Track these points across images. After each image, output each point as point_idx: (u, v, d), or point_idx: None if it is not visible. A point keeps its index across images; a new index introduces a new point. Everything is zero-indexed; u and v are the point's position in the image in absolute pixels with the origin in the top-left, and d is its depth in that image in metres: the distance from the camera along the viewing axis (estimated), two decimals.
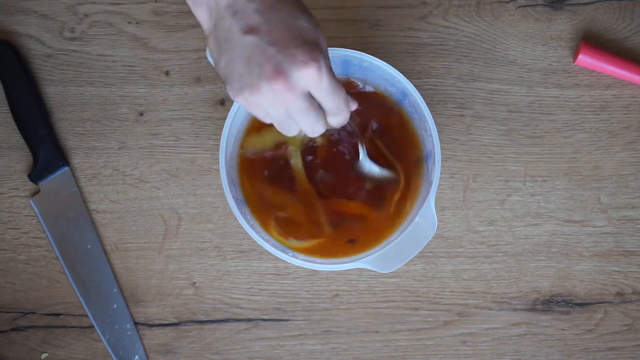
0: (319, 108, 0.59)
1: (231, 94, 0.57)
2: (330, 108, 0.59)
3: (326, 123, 0.60)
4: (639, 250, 0.77)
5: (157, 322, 0.76)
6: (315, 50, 0.55)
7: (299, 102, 0.57)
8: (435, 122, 0.68)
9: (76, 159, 0.78)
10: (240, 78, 0.56)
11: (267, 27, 0.55)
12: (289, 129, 0.60)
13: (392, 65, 0.68)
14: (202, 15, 0.57)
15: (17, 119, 0.76)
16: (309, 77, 0.55)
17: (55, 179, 0.76)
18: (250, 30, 0.55)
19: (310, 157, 0.71)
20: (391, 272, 0.74)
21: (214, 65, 0.59)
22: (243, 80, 0.56)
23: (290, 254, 0.68)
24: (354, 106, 0.62)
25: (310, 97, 0.57)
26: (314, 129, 0.60)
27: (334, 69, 0.71)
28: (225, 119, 0.67)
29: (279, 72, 0.54)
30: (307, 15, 0.56)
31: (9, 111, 0.77)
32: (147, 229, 0.77)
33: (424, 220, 0.67)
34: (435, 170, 0.67)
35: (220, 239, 0.77)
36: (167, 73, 0.78)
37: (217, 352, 0.76)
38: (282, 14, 0.55)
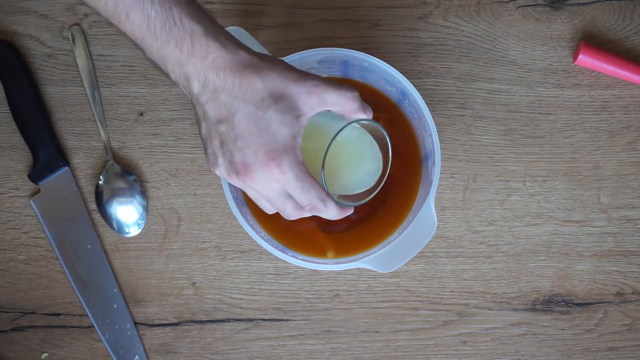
0: (290, 197, 0.59)
1: (208, 163, 0.60)
2: (305, 205, 0.59)
3: (303, 213, 0.61)
4: (639, 250, 0.77)
5: (157, 322, 0.76)
6: (278, 149, 0.56)
7: (267, 192, 0.59)
8: (435, 122, 0.68)
9: (76, 159, 0.78)
10: (215, 154, 0.58)
11: (235, 119, 0.56)
12: (264, 208, 0.62)
13: (392, 65, 0.68)
14: (182, 90, 0.59)
15: (17, 119, 0.76)
16: (272, 175, 0.57)
17: (55, 179, 0.76)
18: (220, 121, 0.57)
19: None
20: (391, 272, 0.74)
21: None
22: (218, 158, 0.58)
23: (290, 254, 0.68)
24: (336, 211, 0.61)
25: (278, 188, 0.58)
26: (287, 216, 0.61)
27: (334, 69, 0.71)
28: None
29: (246, 168, 0.57)
30: (274, 107, 0.56)
31: (9, 111, 0.77)
32: (147, 229, 0.77)
33: (424, 220, 0.67)
34: (435, 170, 0.67)
35: (220, 239, 0.77)
36: None
37: (217, 352, 0.76)
38: (249, 108, 0.56)
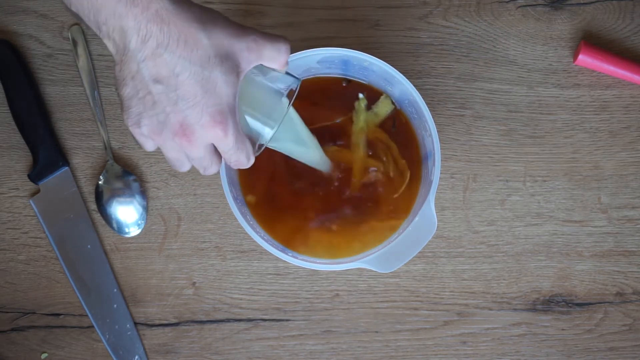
0: (216, 153, 0.58)
1: (128, 123, 0.55)
2: (231, 162, 0.58)
3: (219, 166, 0.59)
4: (639, 250, 0.77)
5: (157, 322, 0.76)
6: (223, 109, 0.54)
7: (198, 152, 0.56)
8: (435, 122, 0.68)
9: (76, 159, 0.78)
10: (141, 115, 0.54)
11: (177, 80, 0.52)
12: (181, 167, 0.59)
13: (392, 65, 0.68)
14: (110, 47, 0.53)
15: (17, 119, 0.76)
16: (214, 138, 0.55)
17: (55, 179, 0.76)
18: (158, 80, 0.53)
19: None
20: (391, 272, 0.74)
21: (115, 87, 0.56)
22: (144, 119, 0.54)
23: (290, 254, 0.68)
24: (251, 161, 0.59)
25: (210, 146, 0.56)
26: (207, 172, 0.59)
27: (334, 69, 0.71)
28: None
29: (184, 130, 0.54)
30: (219, 68, 0.53)
31: (9, 111, 0.77)
32: (147, 229, 0.77)
33: (424, 220, 0.67)
34: (435, 170, 0.67)
35: (220, 239, 0.77)
36: None
37: (217, 352, 0.76)
38: (194, 68, 0.52)
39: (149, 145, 0.56)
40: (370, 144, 0.71)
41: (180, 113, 0.53)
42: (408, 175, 0.71)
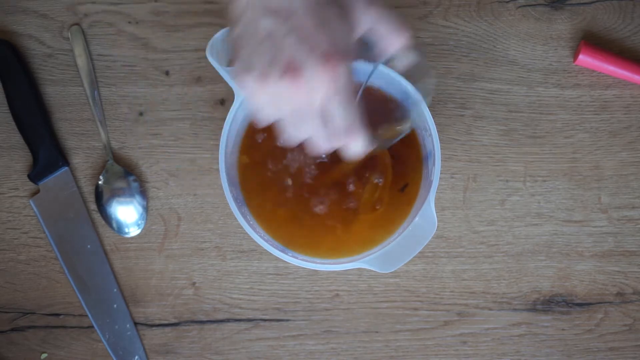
0: (329, 123, 0.52)
1: (237, 67, 0.50)
2: (340, 124, 0.52)
3: (333, 145, 0.53)
4: (639, 250, 0.77)
5: (157, 322, 0.76)
6: (337, 47, 0.49)
7: (307, 104, 0.50)
8: (435, 122, 0.68)
9: (76, 159, 0.78)
10: (249, 55, 0.49)
11: (289, 10, 0.48)
12: (296, 131, 0.53)
13: None
14: None
15: (17, 119, 0.76)
16: (324, 79, 0.49)
17: (55, 179, 0.76)
18: (270, 12, 0.49)
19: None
20: (391, 272, 0.74)
21: (228, 34, 0.51)
22: (252, 59, 0.49)
23: (290, 254, 0.68)
24: (363, 136, 0.53)
25: (321, 107, 0.51)
26: (318, 143, 0.53)
27: None
28: (225, 118, 0.67)
29: (293, 66, 0.48)
30: (334, 5, 0.50)
31: (9, 111, 0.77)
32: (147, 229, 0.77)
33: (424, 220, 0.66)
34: (435, 170, 0.67)
35: (220, 239, 0.77)
36: (167, 73, 0.78)
37: (217, 352, 0.76)
38: (308, 1, 0.49)
39: (259, 98, 0.50)
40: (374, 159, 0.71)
41: (289, 48, 0.48)
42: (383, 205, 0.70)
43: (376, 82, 0.71)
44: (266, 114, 0.52)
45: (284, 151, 0.71)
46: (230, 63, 0.51)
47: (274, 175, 0.71)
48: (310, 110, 0.50)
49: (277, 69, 0.48)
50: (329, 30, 0.49)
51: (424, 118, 0.67)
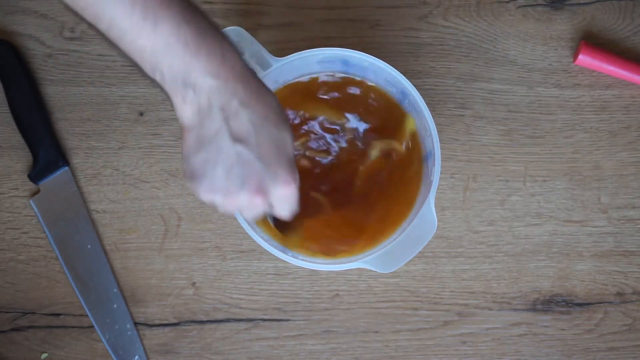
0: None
1: (199, 192, 0.56)
2: (282, 214, 0.59)
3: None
4: (639, 250, 0.77)
5: (157, 322, 0.76)
6: (293, 169, 0.56)
7: (262, 209, 0.57)
8: (435, 122, 0.68)
9: (76, 159, 0.78)
10: (217, 180, 0.55)
11: (256, 139, 0.54)
12: (231, 214, 0.60)
13: (392, 65, 0.68)
14: (188, 112, 0.53)
15: (17, 119, 0.76)
16: (283, 195, 0.56)
17: (55, 179, 0.76)
18: (239, 139, 0.54)
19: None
20: (391, 272, 0.74)
21: (181, 159, 0.57)
22: (220, 183, 0.55)
23: (290, 254, 0.68)
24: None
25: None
26: (253, 219, 0.62)
27: (334, 69, 0.71)
28: None
29: (261, 189, 0.55)
30: (287, 127, 0.56)
31: (9, 111, 0.77)
32: (147, 229, 0.77)
33: (424, 220, 0.67)
34: (435, 170, 0.67)
35: (220, 239, 0.77)
36: None
37: (217, 352, 0.76)
38: (270, 127, 0.55)
39: (221, 208, 0.57)
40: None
41: (258, 173, 0.55)
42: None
43: (376, 81, 0.71)
44: (224, 211, 0.58)
45: None
46: (185, 178, 0.57)
47: None
48: (258, 211, 0.58)
49: (246, 191, 0.55)
50: (285, 154, 0.56)
51: (422, 115, 0.68)
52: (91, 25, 0.52)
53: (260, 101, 0.54)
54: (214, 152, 0.54)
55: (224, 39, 0.53)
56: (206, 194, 0.56)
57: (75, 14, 0.52)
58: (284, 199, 0.57)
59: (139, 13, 0.50)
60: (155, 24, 0.50)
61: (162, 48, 0.51)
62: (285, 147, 0.56)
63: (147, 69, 0.52)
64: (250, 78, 0.54)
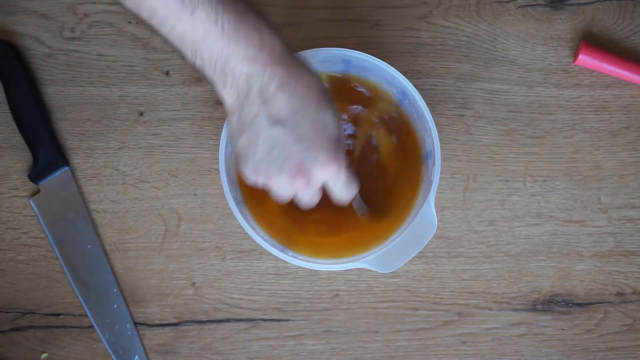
0: (321, 189, 0.61)
1: (246, 172, 0.57)
2: (339, 198, 0.61)
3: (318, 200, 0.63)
4: (639, 250, 0.77)
5: (157, 322, 0.76)
6: (337, 149, 0.56)
7: (310, 191, 0.59)
8: (435, 122, 0.68)
9: (76, 159, 0.78)
10: (259, 162, 0.56)
11: (294, 120, 0.54)
12: (285, 200, 0.61)
13: (392, 65, 0.68)
14: (229, 96, 0.55)
15: (17, 119, 0.76)
16: (328, 176, 0.57)
17: (55, 179, 0.76)
18: (277, 122, 0.54)
19: None
20: (391, 272, 0.74)
21: (231, 140, 0.59)
22: (262, 165, 0.56)
23: (290, 254, 0.68)
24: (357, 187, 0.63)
25: (320, 184, 0.59)
26: (309, 206, 0.63)
27: (334, 69, 0.71)
28: (225, 118, 0.67)
29: (301, 171, 0.56)
30: (331, 109, 0.56)
31: (9, 111, 0.77)
32: (147, 229, 0.77)
33: (424, 220, 0.66)
34: (435, 170, 0.67)
35: (220, 239, 0.77)
36: (167, 73, 0.78)
37: (217, 352, 0.76)
38: (309, 108, 0.55)
39: (266, 187, 0.58)
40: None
41: (297, 155, 0.55)
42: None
43: (376, 80, 0.71)
44: (278, 195, 0.60)
45: None
46: (234, 161, 0.60)
47: None
48: (309, 193, 0.60)
49: (286, 172, 0.56)
50: (326, 135, 0.55)
51: (422, 115, 0.68)
52: (134, 15, 0.53)
53: (300, 83, 0.54)
54: (254, 135, 0.55)
55: (264, 23, 0.53)
56: (251, 176, 0.57)
57: (120, 4, 0.53)
58: (332, 180, 0.57)
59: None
60: (193, 9, 0.51)
61: (200, 34, 0.52)
62: (326, 128, 0.55)
63: (188, 55, 0.54)
64: (290, 60, 0.54)
